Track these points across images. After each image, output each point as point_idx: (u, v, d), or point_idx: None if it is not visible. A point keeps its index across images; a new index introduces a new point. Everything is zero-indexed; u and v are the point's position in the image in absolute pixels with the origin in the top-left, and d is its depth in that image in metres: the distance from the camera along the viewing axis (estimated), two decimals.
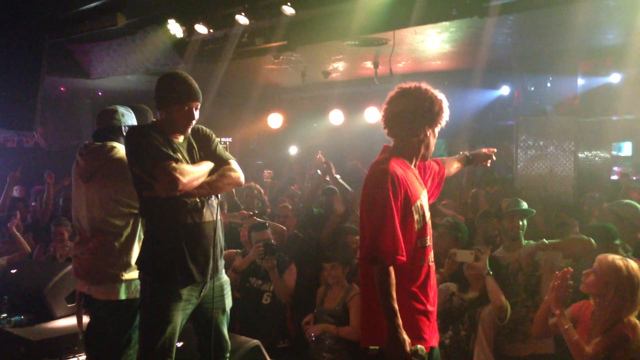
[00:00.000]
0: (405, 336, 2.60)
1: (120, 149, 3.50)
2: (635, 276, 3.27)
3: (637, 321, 3.26)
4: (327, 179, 6.82)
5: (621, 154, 11.46)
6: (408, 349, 2.60)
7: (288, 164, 10.57)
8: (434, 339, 2.89)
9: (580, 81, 7.80)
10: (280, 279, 5.01)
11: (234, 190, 6.40)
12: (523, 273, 4.40)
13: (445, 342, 4.25)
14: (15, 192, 8.67)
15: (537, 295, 4.32)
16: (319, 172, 7.04)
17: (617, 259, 3.34)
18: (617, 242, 4.36)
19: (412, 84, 2.89)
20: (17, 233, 6.48)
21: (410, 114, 2.85)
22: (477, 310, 4.30)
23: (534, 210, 4.65)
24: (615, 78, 8.04)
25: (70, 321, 4.57)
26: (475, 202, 6.74)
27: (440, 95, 2.89)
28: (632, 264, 3.34)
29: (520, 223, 4.53)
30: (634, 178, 9.93)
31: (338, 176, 6.71)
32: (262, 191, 7.28)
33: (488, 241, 5.47)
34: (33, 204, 8.32)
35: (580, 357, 3.24)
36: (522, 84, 8.08)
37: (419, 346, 2.66)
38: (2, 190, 7.55)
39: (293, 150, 10.39)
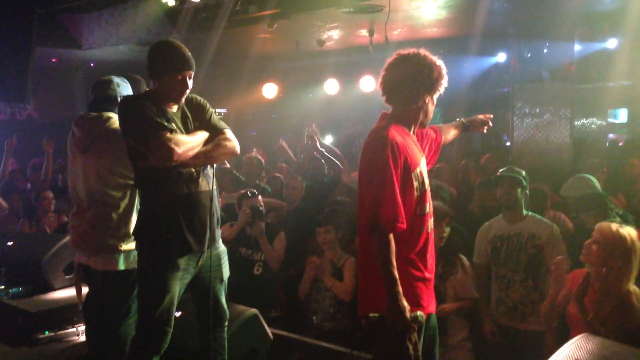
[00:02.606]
0: (405, 303, 2.61)
1: (116, 120, 3.46)
2: (636, 242, 3.29)
3: (638, 289, 3.29)
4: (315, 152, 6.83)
5: (617, 121, 11.44)
6: (408, 315, 2.61)
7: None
8: (431, 305, 2.91)
9: (577, 47, 7.71)
10: (269, 246, 5.02)
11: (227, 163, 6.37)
12: (525, 251, 4.23)
13: None
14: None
15: (538, 276, 4.20)
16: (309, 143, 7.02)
17: (619, 227, 3.35)
18: (612, 205, 4.37)
19: (410, 50, 2.85)
20: None
21: (409, 80, 2.81)
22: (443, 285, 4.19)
23: (521, 178, 4.32)
24: (612, 44, 7.96)
25: (69, 292, 4.59)
26: (465, 175, 6.69)
27: (439, 62, 2.86)
28: (632, 231, 3.36)
29: (519, 191, 4.27)
30: (620, 144, 9.94)
31: (323, 150, 6.72)
32: (262, 161, 7.25)
33: (484, 211, 5.45)
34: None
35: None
36: (519, 50, 7.98)
37: (418, 313, 2.68)
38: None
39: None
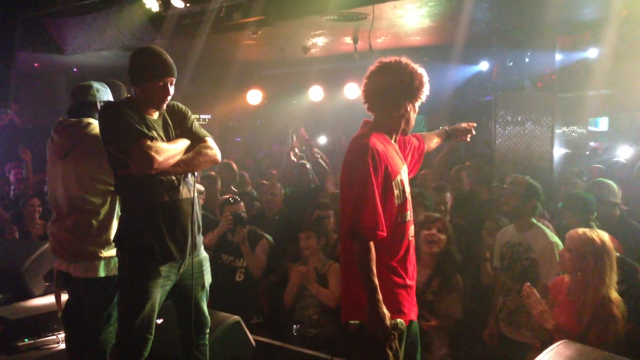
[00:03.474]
0: (385, 310, 2.62)
1: (96, 126, 3.44)
2: (607, 244, 3.33)
3: (619, 298, 3.31)
4: (294, 158, 6.83)
5: (597, 129, 11.58)
6: (388, 323, 2.62)
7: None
8: (412, 313, 2.91)
9: (558, 56, 7.79)
10: (252, 252, 5.00)
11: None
12: (521, 262, 4.22)
13: None
14: None
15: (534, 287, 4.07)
16: (295, 151, 7.04)
17: (586, 231, 3.40)
18: (594, 215, 4.40)
19: (392, 58, 2.87)
20: None
21: (390, 88, 2.83)
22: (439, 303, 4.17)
23: (522, 190, 4.30)
24: (592, 53, 8.06)
25: (49, 299, 4.54)
26: (458, 182, 6.66)
27: (420, 70, 2.88)
28: (603, 234, 3.40)
29: (519, 201, 4.28)
30: (599, 152, 10.06)
31: (317, 155, 6.74)
32: (234, 166, 7.17)
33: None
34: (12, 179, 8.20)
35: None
36: (501, 59, 8.06)
37: (398, 320, 2.68)
38: None
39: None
